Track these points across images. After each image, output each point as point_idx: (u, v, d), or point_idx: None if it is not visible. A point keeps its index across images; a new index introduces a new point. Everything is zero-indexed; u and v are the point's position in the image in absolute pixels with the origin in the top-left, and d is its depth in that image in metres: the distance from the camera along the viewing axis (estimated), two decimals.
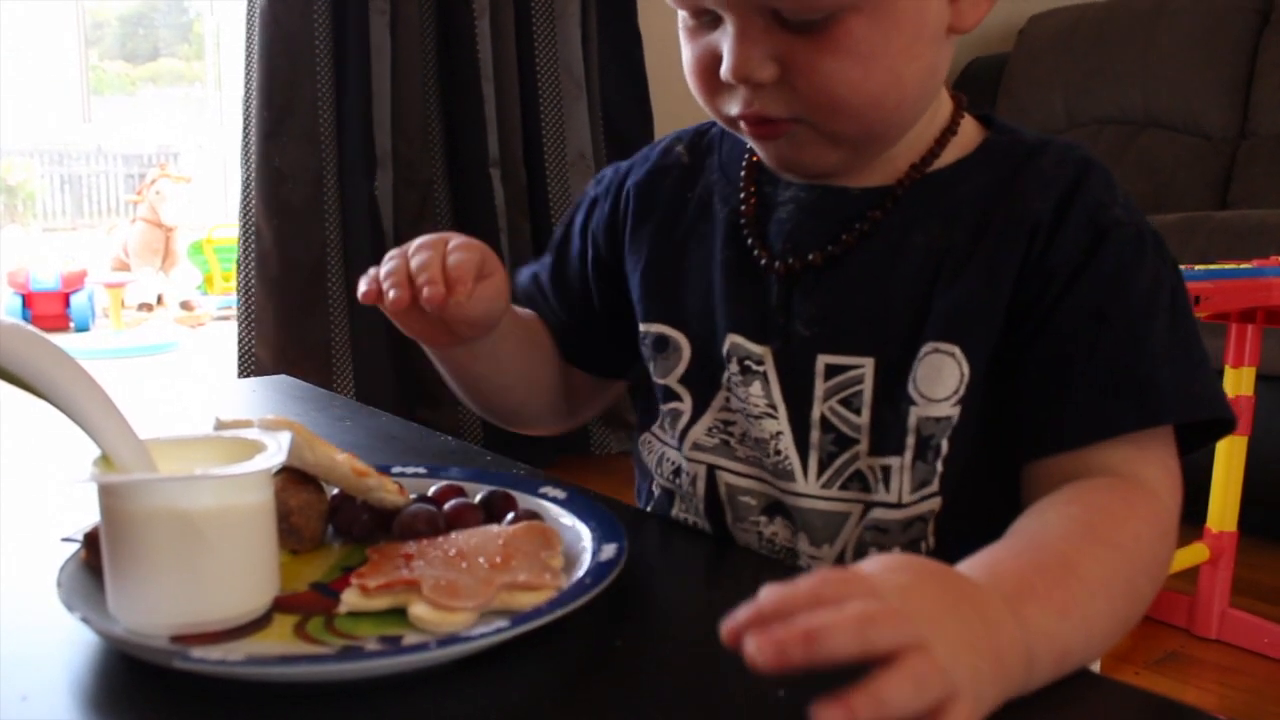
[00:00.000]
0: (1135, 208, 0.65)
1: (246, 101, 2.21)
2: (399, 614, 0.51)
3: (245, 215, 2.23)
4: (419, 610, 0.50)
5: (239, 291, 2.25)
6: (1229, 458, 1.75)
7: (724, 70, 0.62)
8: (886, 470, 0.65)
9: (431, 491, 0.64)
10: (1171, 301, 0.62)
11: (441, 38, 2.38)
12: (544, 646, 0.49)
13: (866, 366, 0.65)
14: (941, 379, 0.63)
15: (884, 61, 0.61)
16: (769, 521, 0.69)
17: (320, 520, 0.60)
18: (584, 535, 0.58)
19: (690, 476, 0.72)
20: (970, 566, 0.50)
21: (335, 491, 0.62)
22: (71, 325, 5.46)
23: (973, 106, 0.72)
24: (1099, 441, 0.60)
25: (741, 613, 0.40)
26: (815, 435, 0.67)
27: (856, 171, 0.68)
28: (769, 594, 0.40)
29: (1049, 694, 0.47)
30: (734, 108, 0.65)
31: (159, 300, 5.99)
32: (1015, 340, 0.63)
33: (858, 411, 0.65)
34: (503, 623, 0.48)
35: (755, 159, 0.73)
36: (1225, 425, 0.63)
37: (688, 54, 0.66)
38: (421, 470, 0.68)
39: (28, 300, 5.46)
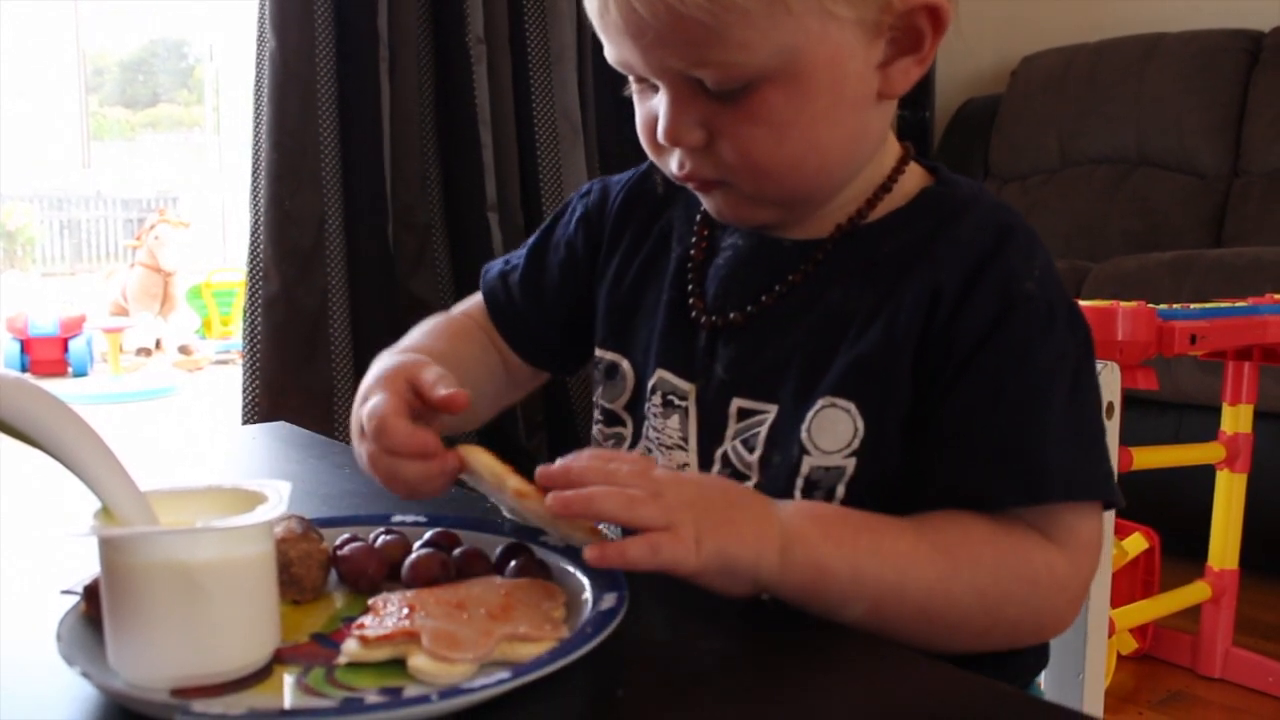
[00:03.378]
0: (1053, 278, 0.66)
1: (256, 144, 2.21)
2: (399, 665, 0.51)
3: (253, 259, 2.22)
4: (419, 661, 0.50)
5: (245, 336, 2.24)
6: (1229, 495, 1.75)
7: (659, 133, 0.67)
8: None
9: (428, 536, 0.64)
10: (1073, 379, 0.64)
11: (439, 84, 2.39)
12: (545, 697, 0.49)
13: (771, 413, 0.70)
14: (835, 432, 0.67)
15: (798, 129, 0.65)
16: None
17: (321, 570, 0.60)
18: (585, 584, 0.58)
19: None
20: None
21: (339, 540, 0.62)
22: (70, 370, 5.47)
23: (924, 158, 0.74)
24: (984, 511, 0.63)
25: (556, 465, 0.57)
26: (715, 469, 0.72)
27: (794, 224, 0.72)
28: (582, 460, 0.57)
29: None
30: (674, 166, 0.70)
31: (157, 345, 6.01)
32: (923, 405, 0.66)
33: (751, 450, 0.70)
34: (504, 674, 0.48)
35: None
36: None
37: (637, 115, 0.71)
38: (421, 518, 0.68)
39: (26, 345, 5.46)
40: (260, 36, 2.17)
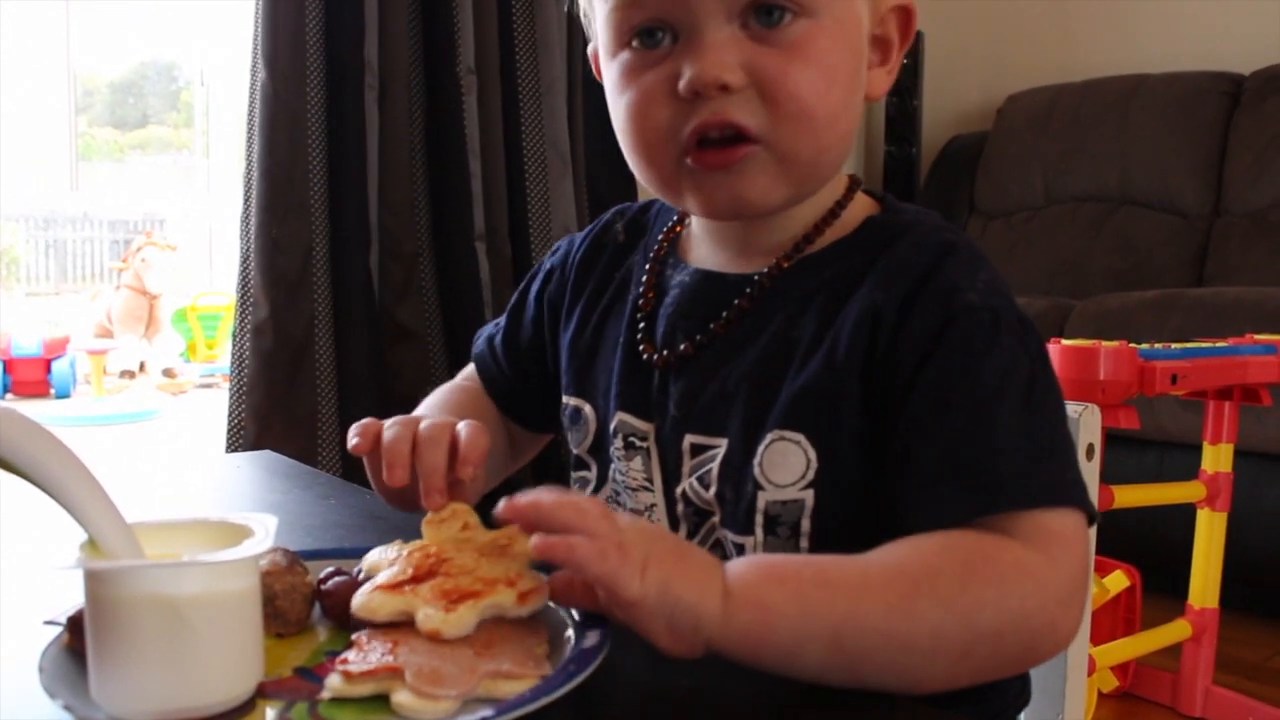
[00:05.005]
0: (998, 290, 0.65)
1: (247, 173, 2.22)
2: (383, 700, 0.51)
3: (244, 286, 2.23)
4: (402, 698, 0.50)
5: (233, 362, 2.24)
6: (1209, 534, 1.75)
7: (689, 77, 0.64)
8: (741, 548, 0.68)
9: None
10: (1027, 387, 0.62)
11: (430, 114, 2.41)
12: None
13: (721, 447, 0.69)
14: (787, 465, 0.66)
15: (841, 80, 0.67)
16: None
17: (305, 603, 0.60)
18: (568, 620, 0.58)
19: None
20: None
21: (323, 573, 0.62)
22: (52, 391, 5.43)
23: (870, 189, 0.75)
24: (940, 529, 0.59)
25: (524, 501, 0.53)
26: (680, 508, 0.71)
27: (744, 256, 0.72)
28: (549, 498, 0.53)
29: None
30: (695, 120, 0.65)
31: (141, 367, 5.98)
32: (877, 431, 0.64)
33: (707, 488, 0.69)
34: (487, 711, 0.48)
35: (665, 242, 0.78)
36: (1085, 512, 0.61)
37: (633, 95, 0.67)
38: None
39: (8, 366, 5.43)
40: (253, 68, 2.19)
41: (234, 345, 2.25)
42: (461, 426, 0.67)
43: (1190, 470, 1.78)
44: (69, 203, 8.72)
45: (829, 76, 0.65)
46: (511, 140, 2.48)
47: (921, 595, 0.55)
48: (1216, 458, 1.74)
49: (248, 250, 2.22)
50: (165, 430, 4.70)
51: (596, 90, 0.71)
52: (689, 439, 0.70)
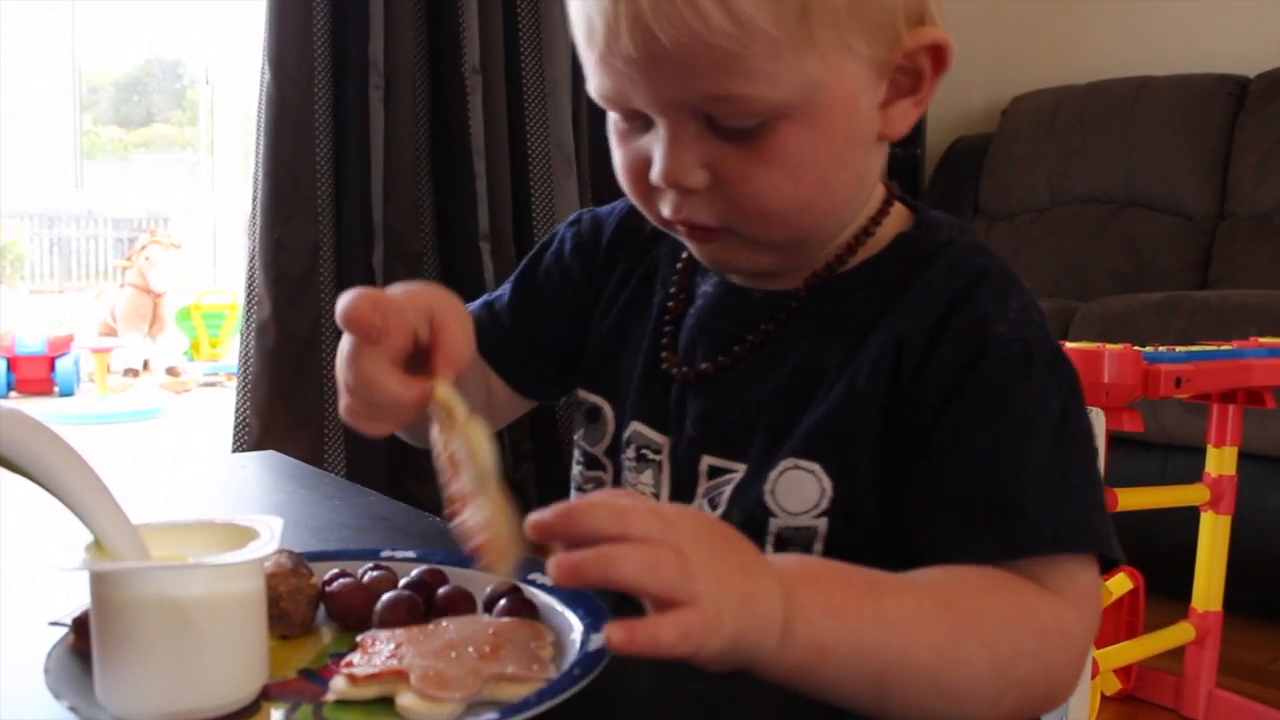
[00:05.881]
0: (1031, 320, 0.63)
1: (255, 174, 2.23)
2: (387, 703, 0.51)
3: (250, 286, 2.24)
4: (407, 700, 0.50)
5: (240, 361, 2.26)
6: (1213, 537, 1.75)
7: (654, 174, 0.63)
8: None
9: (414, 574, 0.64)
10: (1058, 425, 0.60)
11: (435, 114, 2.41)
12: None
13: (740, 472, 0.67)
14: (800, 494, 0.64)
15: (815, 170, 0.62)
16: None
17: (310, 606, 0.60)
18: (574, 624, 0.58)
19: None
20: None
21: (328, 575, 0.62)
22: (56, 390, 5.43)
23: (909, 198, 0.72)
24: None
25: (551, 513, 0.46)
26: None
27: (779, 272, 0.69)
28: (581, 501, 0.47)
29: None
30: (665, 210, 0.65)
31: (145, 366, 5.98)
32: (899, 461, 0.62)
33: (715, 508, 0.67)
34: (491, 715, 0.48)
35: None
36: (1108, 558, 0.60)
37: (619, 157, 0.67)
38: (411, 554, 0.68)
39: (13, 363, 5.43)
40: (261, 70, 2.20)
41: (240, 344, 2.26)
42: (368, 300, 0.59)
43: (1194, 473, 1.78)
44: (73, 201, 8.74)
45: (797, 174, 0.61)
46: (516, 140, 2.48)
47: (969, 638, 0.54)
48: (1220, 461, 1.74)
49: (254, 249, 2.23)
50: (169, 429, 4.70)
51: None
52: (707, 460, 0.69)
